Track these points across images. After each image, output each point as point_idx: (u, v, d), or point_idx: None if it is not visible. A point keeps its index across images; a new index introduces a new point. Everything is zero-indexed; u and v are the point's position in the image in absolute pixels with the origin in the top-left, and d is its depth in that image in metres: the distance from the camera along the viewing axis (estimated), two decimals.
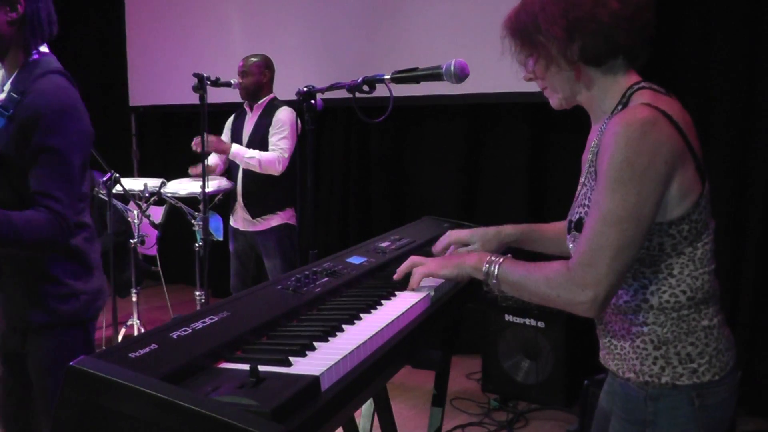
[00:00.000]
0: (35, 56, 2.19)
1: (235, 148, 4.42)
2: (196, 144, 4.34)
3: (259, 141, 4.47)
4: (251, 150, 4.41)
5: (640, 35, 1.60)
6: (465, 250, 2.05)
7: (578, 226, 1.66)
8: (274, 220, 4.52)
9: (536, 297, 1.64)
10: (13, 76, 2.16)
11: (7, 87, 2.15)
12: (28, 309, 2.20)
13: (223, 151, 4.43)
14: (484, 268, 1.71)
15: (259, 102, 4.56)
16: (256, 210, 4.51)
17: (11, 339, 2.29)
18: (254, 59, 4.59)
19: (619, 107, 1.62)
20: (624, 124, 1.51)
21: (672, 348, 1.62)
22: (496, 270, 1.69)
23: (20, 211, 2.04)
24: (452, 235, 2.10)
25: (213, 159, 4.69)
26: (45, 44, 2.24)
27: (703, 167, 1.60)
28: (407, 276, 1.88)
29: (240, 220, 4.62)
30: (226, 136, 4.75)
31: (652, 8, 1.61)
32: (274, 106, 4.54)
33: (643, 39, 1.61)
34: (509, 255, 1.75)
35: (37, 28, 2.16)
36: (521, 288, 1.66)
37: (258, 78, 4.55)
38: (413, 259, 1.90)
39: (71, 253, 2.23)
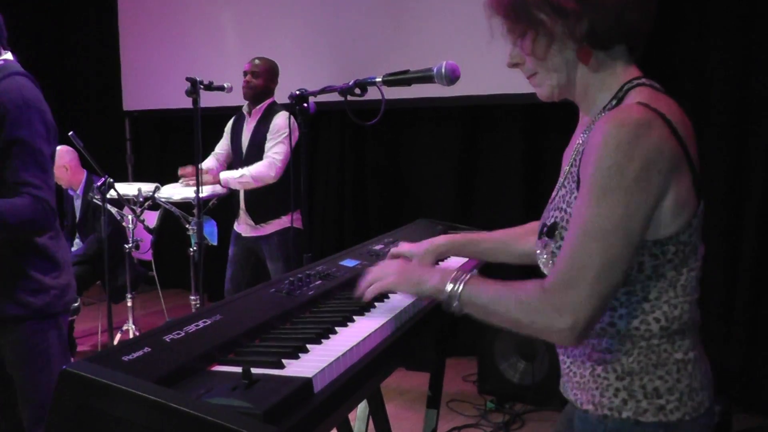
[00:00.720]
0: (0, 62, 2.34)
1: (224, 175, 4.42)
2: (189, 176, 4.37)
3: (258, 146, 4.46)
4: (239, 170, 4.41)
5: (650, 19, 1.43)
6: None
7: (551, 231, 1.48)
8: (277, 224, 4.51)
9: (507, 322, 1.43)
10: None
11: None
12: (1, 302, 2.34)
13: (216, 182, 4.43)
14: (447, 287, 1.50)
15: (259, 106, 4.54)
16: (258, 215, 4.50)
17: None
18: (262, 62, 4.56)
19: (613, 102, 1.44)
20: (615, 125, 1.32)
21: (637, 380, 1.43)
22: (459, 289, 1.49)
23: (3, 199, 2.20)
24: (396, 250, 2.01)
25: (207, 163, 4.68)
26: (9, 52, 2.39)
27: (700, 182, 1.41)
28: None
29: (243, 225, 4.62)
30: (226, 139, 4.74)
31: None
32: (273, 110, 4.51)
33: (650, 23, 1.44)
34: (474, 272, 1.56)
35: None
36: (489, 312, 1.46)
37: (266, 81, 4.53)
38: (374, 273, 1.71)
39: (39, 250, 2.38)
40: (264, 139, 4.45)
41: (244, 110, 4.64)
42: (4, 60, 2.34)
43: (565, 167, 1.58)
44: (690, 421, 1.43)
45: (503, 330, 4.04)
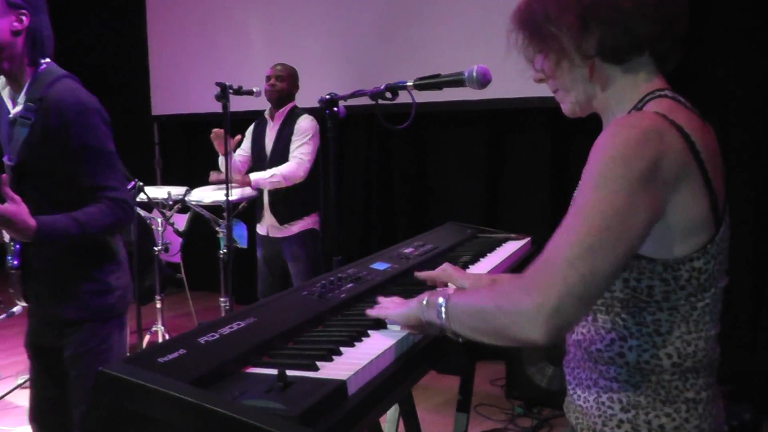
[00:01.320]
0: (43, 66, 2.30)
1: (254, 176, 4.44)
2: (215, 134, 4.36)
3: (283, 149, 4.50)
4: (270, 170, 4.44)
5: (668, 29, 1.33)
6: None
7: None
8: (300, 225, 4.55)
9: (475, 318, 1.33)
10: (25, 87, 2.26)
11: (22, 99, 2.26)
12: (64, 307, 2.31)
13: (247, 183, 4.46)
14: (425, 301, 1.44)
15: (281, 110, 4.59)
16: (283, 216, 4.53)
17: (44, 334, 2.41)
18: (285, 67, 4.63)
19: (632, 112, 1.36)
20: (626, 125, 1.25)
21: (642, 414, 1.35)
22: (444, 298, 1.40)
23: (82, 209, 2.19)
24: (443, 271, 1.85)
25: (238, 181, 4.69)
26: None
27: (721, 209, 1.31)
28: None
29: (267, 226, 4.65)
30: (246, 144, 4.77)
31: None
32: (295, 114, 4.57)
33: (671, 35, 1.34)
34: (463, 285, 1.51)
35: (38, 42, 2.28)
36: (460, 313, 1.37)
37: (289, 86, 4.60)
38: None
39: (104, 250, 2.36)
40: (288, 142, 4.48)
41: (267, 115, 4.68)
42: (47, 63, 2.31)
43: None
44: None
45: None
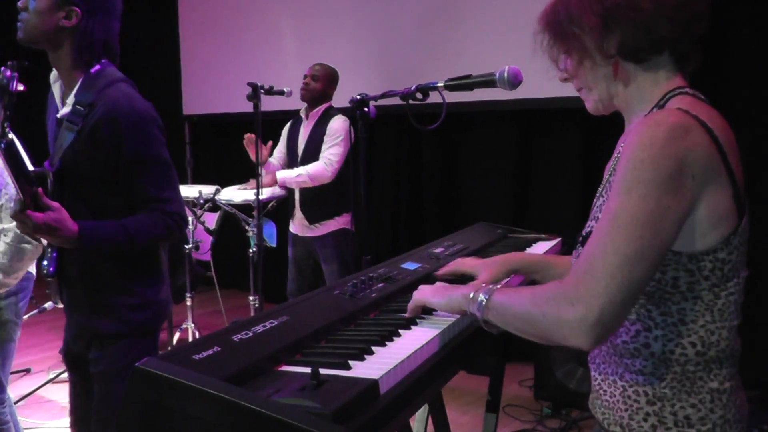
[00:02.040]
0: (96, 67, 2.23)
1: (281, 175, 4.48)
2: (248, 139, 4.38)
3: (314, 149, 4.52)
4: (296, 169, 4.47)
5: (687, 29, 1.37)
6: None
7: (585, 240, 1.43)
8: (332, 225, 4.56)
9: (520, 321, 1.37)
10: (76, 88, 2.20)
11: (70, 100, 2.20)
12: (97, 319, 2.25)
13: (273, 182, 4.48)
14: (471, 295, 1.49)
15: (316, 110, 4.61)
16: (313, 215, 4.56)
17: (76, 344, 2.35)
18: (323, 67, 4.65)
19: (654, 110, 1.40)
20: (651, 124, 1.28)
21: (668, 406, 1.37)
22: (485, 298, 1.45)
23: (134, 217, 2.15)
24: (459, 263, 1.96)
25: (267, 180, 4.71)
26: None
27: (743, 197, 1.34)
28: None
29: (298, 225, 4.67)
30: (282, 143, 4.80)
31: (705, 1, 1.39)
32: (329, 114, 4.59)
33: (691, 34, 1.38)
34: (505, 281, 1.54)
35: (87, 44, 2.21)
36: (504, 313, 1.41)
37: (324, 86, 4.61)
38: (420, 288, 1.73)
39: (145, 263, 2.29)
40: (321, 142, 4.50)
41: (302, 113, 4.71)
42: (102, 64, 2.24)
43: (605, 178, 1.55)
44: None
45: None
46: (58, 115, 2.23)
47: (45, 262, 2.23)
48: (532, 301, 1.34)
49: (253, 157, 4.36)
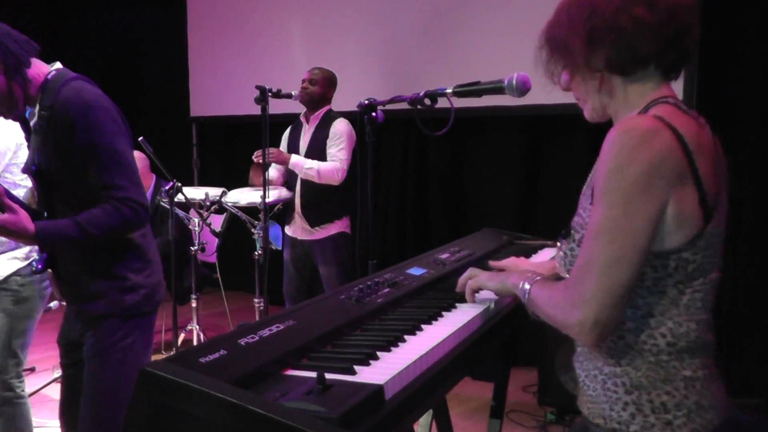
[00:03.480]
0: (52, 73, 2.33)
1: (295, 158, 4.48)
2: (257, 156, 4.42)
3: (317, 152, 4.53)
4: (310, 160, 4.47)
5: (672, 43, 1.45)
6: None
7: (567, 233, 1.57)
8: (332, 229, 4.57)
9: (544, 316, 1.53)
10: (39, 99, 2.31)
11: (36, 109, 2.32)
12: (89, 301, 2.37)
13: (284, 161, 4.49)
14: (520, 284, 1.63)
15: (316, 113, 4.62)
16: (314, 219, 4.56)
17: (73, 329, 2.48)
18: (321, 71, 4.66)
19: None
20: (621, 131, 1.38)
21: (645, 394, 1.45)
22: (527, 288, 1.60)
23: (88, 211, 2.22)
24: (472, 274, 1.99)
25: (273, 172, 4.73)
26: (57, 62, 2.39)
27: (709, 202, 1.41)
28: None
29: (298, 229, 4.67)
30: (283, 147, 4.81)
31: (691, 14, 1.46)
32: (330, 117, 4.59)
33: (677, 47, 1.47)
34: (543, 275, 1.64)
35: (14, 60, 2.24)
36: (535, 306, 1.57)
37: (323, 90, 4.61)
38: (471, 270, 1.92)
39: (131, 248, 2.39)
40: (323, 146, 4.51)
41: (302, 118, 4.71)
42: (56, 69, 2.35)
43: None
44: None
45: (565, 342, 3.99)
46: (32, 124, 2.36)
47: (34, 261, 2.44)
48: (548, 303, 1.51)
49: (255, 180, 4.45)
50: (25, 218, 2.15)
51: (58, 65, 2.37)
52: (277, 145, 4.80)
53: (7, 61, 2.23)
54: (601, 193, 1.39)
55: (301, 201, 4.59)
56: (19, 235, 2.16)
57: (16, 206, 2.14)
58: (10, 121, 2.47)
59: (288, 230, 4.76)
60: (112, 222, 2.23)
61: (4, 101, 2.28)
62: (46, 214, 2.36)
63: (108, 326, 2.36)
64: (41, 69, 2.33)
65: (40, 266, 2.41)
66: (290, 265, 4.79)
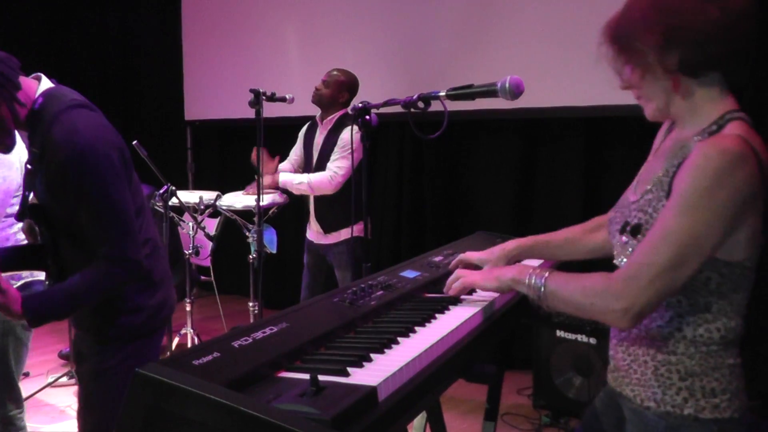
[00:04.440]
0: (39, 100, 2.17)
1: (283, 177, 4.45)
2: (255, 157, 4.40)
3: (328, 156, 4.49)
4: (298, 175, 4.45)
5: (738, 47, 1.53)
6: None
7: (635, 230, 1.62)
8: (346, 233, 4.52)
9: (570, 306, 1.63)
10: (28, 132, 2.20)
11: (26, 144, 2.25)
12: (92, 320, 2.31)
13: (274, 184, 4.47)
14: (526, 280, 1.70)
15: (329, 117, 4.55)
16: (328, 224, 4.52)
17: (80, 344, 2.44)
18: (339, 73, 4.58)
19: (713, 128, 1.55)
20: (717, 150, 1.46)
21: (698, 381, 1.58)
22: (542, 281, 1.67)
23: (77, 274, 2.15)
24: (464, 257, 2.14)
25: (283, 166, 4.71)
26: (39, 79, 2.23)
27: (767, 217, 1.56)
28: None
29: (314, 233, 4.65)
30: (299, 146, 4.77)
31: (753, 18, 1.53)
32: (343, 123, 4.50)
33: (740, 52, 1.54)
34: (551, 268, 1.75)
35: (7, 85, 2.10)
36: (555, 298, 1.65)
37: (334, 94, 4.53)
38: (459, 272, 1.96)
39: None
40: (332, 151, 4.48)
41: (317, 118, 4.67)
42: (43, 95, 2.17)
43: (650, 175, 1.68)
44: (738, 419, 1.60)
45: (559, 345, 4.00)
46: (24, 161, 2.29)
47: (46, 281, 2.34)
48: (582, 293, 1.59)
49: (262, 168, 4.39)
50: (12, 298, 2.09)
51: (44, 83, 2.21)
52: (278, 146, 4.78)
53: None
54: (683, 204, 1.47)
55: (315, 206, 4.56)
56: (8, 315, 2.12)
57: (5, 286, 2.08)
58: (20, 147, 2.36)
59: (307, 234, 4.74)
60: (103, 286, 2.17)
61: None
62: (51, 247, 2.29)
63: (108, 349, 2.30)
64: (29, 90, 2.17)
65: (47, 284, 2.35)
66: (307, 270, 4.75)
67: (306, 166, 4.67)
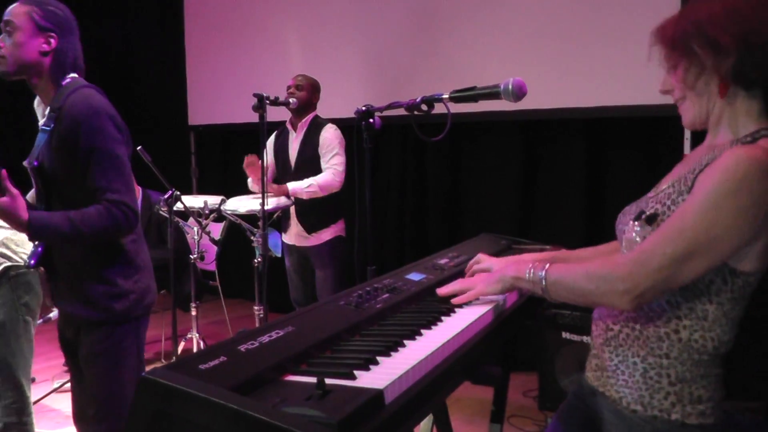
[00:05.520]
0: (67, 80, 2.45)
1: (292, 186, 4.49)
2: (248, 161, 4.44)
3: (308, 159, 4.53)
4: (306, 180, 4.48)
5: None
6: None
7: (650, 219, 1.61)
8: (327, 233, 4.60)
9: (573, 293, 1.64)
10: (51, 100, 2.43)
11: (47, 111, 2.42)
12: (80, 308, 2.44)
13: (284, 193, 4.49)
14: (526, 275, 1.73)
15: (303, 120, 4.63)
16: (311, 225, 4.58)
17: (67, 331, 2.56)
18: (305, 77, 4.69)
19: (748, 139, 1.55)
20: (749, 156, 1.46)
21: (687, 387, 1.59)
22: (542, 273, 1.69)
23: (79, 209, 2.29)
24: (478, 266, 2.08)
25: (275, 192, 4.73)
26: (74, 72, 2.50)
27: None
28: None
29: (294, 236, 4.69)
30: (270, 156, 4.80)
31: None
32: (318, 124, 4.60)
33: None
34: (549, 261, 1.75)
35: (62, 63, 2.44)
36: (559, 285, 1.67)
37: (309, 95, 4.64)
38: (460, 282, 1.96)
39: (119, 253, 2.45)
40: (313, 153, 4.52)
41: (288, 125, 4.71)
42: (71, 78, 2.46)
43: (674, 174, 1.70)
44: (719, 425, 1.61)
45: (564, 346, 3.99)
46: (40, 125, 2.45)
47: (27, 257, 2.48)
48: (586, 277, 1.60)
49: (252, 177, 4.49)
50: (21, 205, 2.21)
51: (74, 75, 2.48)
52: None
53: (67, 50, 2.43)
54: (705, 202, 1.47)
55: (297, 208, 4.60)
56: (12, 220, 2.21)
57: (15, 192, 2.21)
58: None
59: (285, 238, 4.78)
60: (103, 223, 2.30)
61: (32, 65, 2.40)
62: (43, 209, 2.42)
63: (99, 333, 2.43)
64: (65, 65, 2.46)
65: (33, 261, 2.45)
66: (292, 272, 4.82)
67: (283, 173, 4.70)
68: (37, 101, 2.54)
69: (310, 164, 4.53)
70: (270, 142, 4.84)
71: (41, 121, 2.45)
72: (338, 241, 4.65)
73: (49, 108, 2.40)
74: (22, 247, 3.09)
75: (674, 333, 1.59)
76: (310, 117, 4.65)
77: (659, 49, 1.65)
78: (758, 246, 1.51)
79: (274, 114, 4.61)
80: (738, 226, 1.45)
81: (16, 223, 2.23)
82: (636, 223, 1.66)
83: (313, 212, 4.57)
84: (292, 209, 4.63)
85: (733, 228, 1.45)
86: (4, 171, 2.19)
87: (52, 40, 2.41)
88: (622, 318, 1.68)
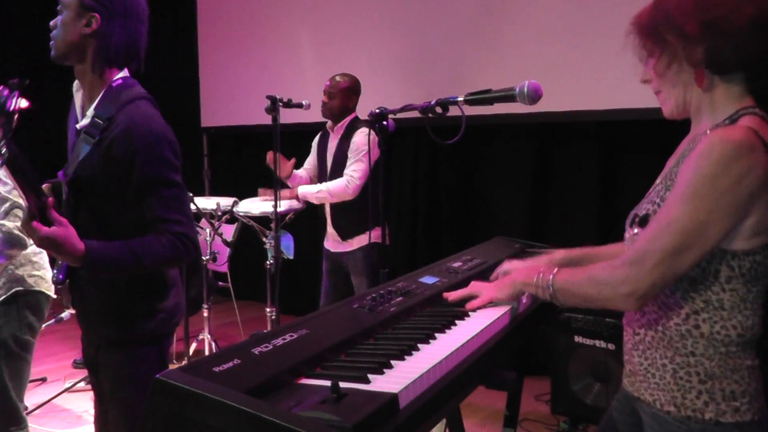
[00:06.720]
0: (118, 81, 2.22)
1: (302, 189, 4.46)
2: (270, 160, 4.40)
3: (342, 163, 4.48)
4: (316, 185, 4.45)
5: (765, 51, 1.52)
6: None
7: (643, 221, 1.63)
8: (363, 240, 4.51)
9: (579, 298, 1.66)
10: (97, 101, 2.19)
11: (90, 112, 2.19)
12: (104, 326, 2.26)
13: (293, 196, 4.48)
14: (534, 281, 1.74)
15: (340, 123, 4.54)
16: (345, 231, 4.51)
17: (89, 349, 2.38)
18: (341, 80, 4.54)
19: (726, 122, 1.56)
20: (721, 139, 1.46)
21: (717, 383, 1.57)
22: (549, 280, 1.71)
23: (140, 237, 2.10)
24: (506, 265, 2.11)
25: (286, 193, 4.70)
26: (125, 70, 2.28)
27: None
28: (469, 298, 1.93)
29: (330, 241, 4.65)
30: (313, 155, 4.78)
31: None
32: (354, 127, 4.50)
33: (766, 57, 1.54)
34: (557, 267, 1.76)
35: (105, 50, 2.19)
36: (565, 291, 1.68)
37: (342, 101, 4.51)
38: (474, 285, 1.97)
39: (150, 274, 2.26)
40: (346, 156, 4.47)
41: (328, 127, 4.67)
42: (122, 78, 2.23)
43: (665, 170, 1.71)
44: (758, 421, 1.59)
45: (577, 350, 3.96)
46: (78, 126, 2.23)
47: (55, 270, 2.22)
48: (590, 283, 1.61)
49: (278, 172, 4.39)
50: (74, 234, 1.99)
51: (125, 72, 2.27)
52: (295, 152, 4.78)
53: (112, 34, 2.18)
54: (687, 192, 1.48)
55: (332, 214, 4.56)
56: (64, 252, 1.97)
57: (64, 220, 1.98)
58: None
59: (324, 243, 4.74)
60: (165, 255, 2.11)
61: (74, 48, 2.18)
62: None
63: (124, 354, 2.25)
64: (112, 75, 2.24)
65: (61, 276, 2.21)
66: (326, 277, 4.74)
67: (321, 175, 4.67)
68: (76, 85, 2.30)
69: (343, 167, 4.47)
70: (314, 142, 4.80)
71: (82, 122, 2.21)
72: (374, 248, 4.56)
73: (94, 112, 2.17)
74: (39, 270, 3.04)
75: (695, 329, 1.58)
76: (346, 121, 4.53)
77: (634, 38, 1.65)
78: (749, 223, 1.50)
79: (289, 116, 4.61)
80: (722, 209, 1.46)
81: (69, 255, 1.99)
82: (633, 228, 1.68)
83: (347, 218, 4.50)
84: (327, 214, 4.59)
85: (716, 211, 1.46)
86: (51, 199, 1.95)
87: (93, 21, 2.14)
88: (644, 321, 1.67)
